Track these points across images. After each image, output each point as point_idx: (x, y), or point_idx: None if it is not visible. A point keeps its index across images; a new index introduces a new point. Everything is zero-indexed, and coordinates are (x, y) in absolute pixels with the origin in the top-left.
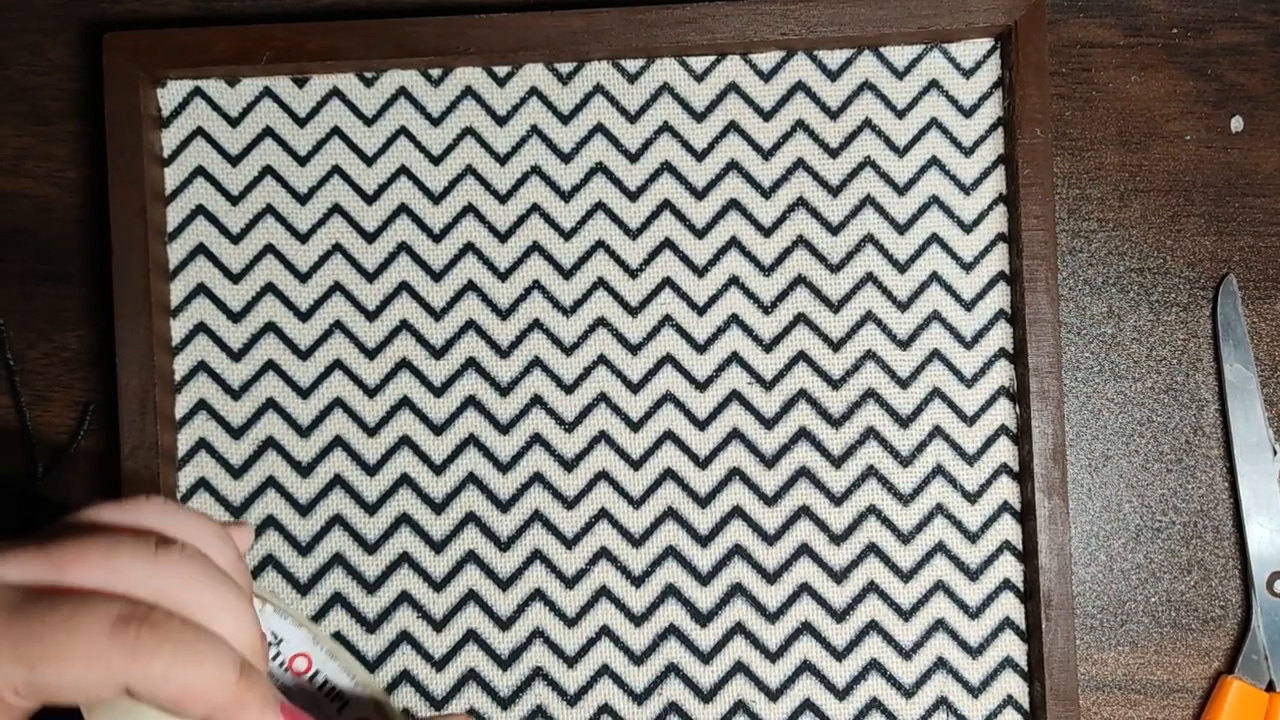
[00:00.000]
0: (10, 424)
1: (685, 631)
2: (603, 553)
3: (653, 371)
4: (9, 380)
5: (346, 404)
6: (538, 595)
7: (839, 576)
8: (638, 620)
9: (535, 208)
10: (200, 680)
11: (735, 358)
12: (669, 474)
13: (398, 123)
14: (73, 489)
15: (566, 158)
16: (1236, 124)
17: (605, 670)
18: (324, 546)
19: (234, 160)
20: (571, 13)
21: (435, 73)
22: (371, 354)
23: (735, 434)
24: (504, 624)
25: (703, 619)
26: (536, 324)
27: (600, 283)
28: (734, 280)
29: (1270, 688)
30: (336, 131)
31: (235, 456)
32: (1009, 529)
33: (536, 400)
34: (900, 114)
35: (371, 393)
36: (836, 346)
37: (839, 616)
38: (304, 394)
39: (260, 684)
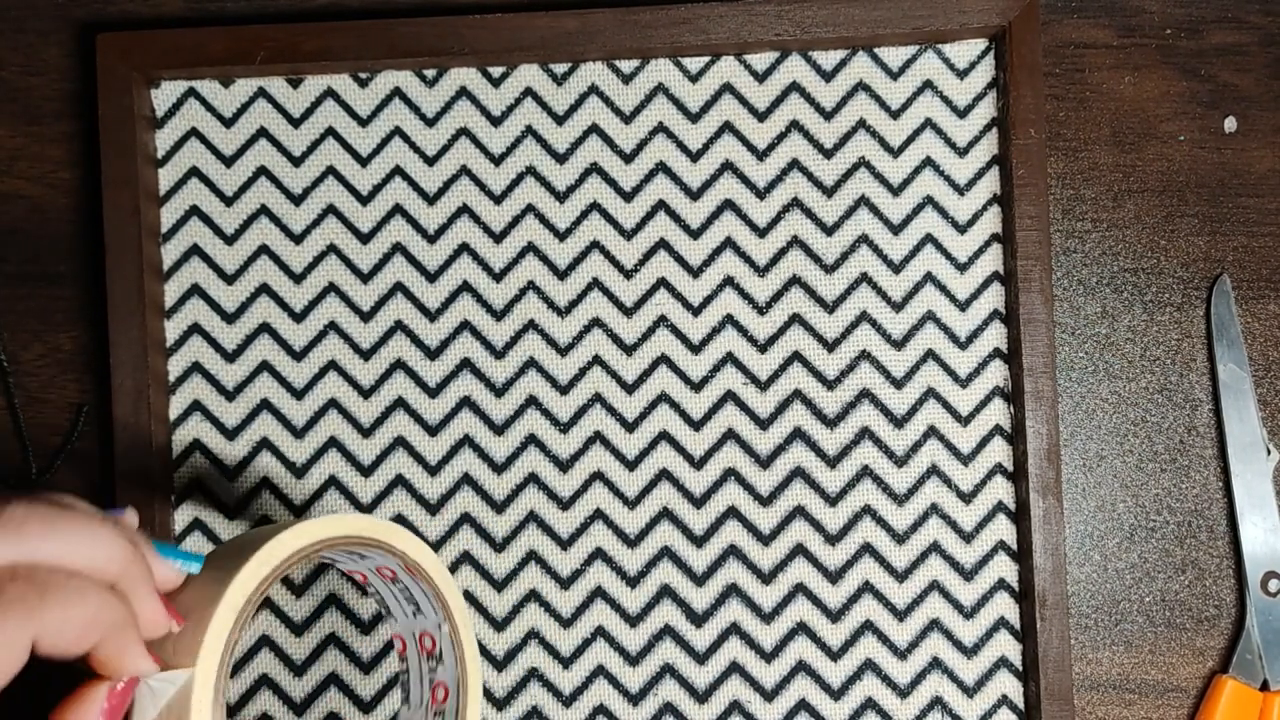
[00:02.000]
0: (4, 425)
1: (680, 632)
2: (598, 553)
3: (648, 372)
4: (3, 381)
5: (341, 405)
6: (533, 596)
7: (834, 577)
8: (633, 621)
9: (530, 208)
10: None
11: (730, 358)
12: (664, 474)
13: (392, 123)
14: (67, 490)
15: (561, 158)
16: (1230, 124)
17: (600, 671)
18: None
19: (228, 161)
20: (566, 13)
21: (430, 73)
22: (366, 355)
23: (730, 434)
24: (499, 625)
25: (698, 619)
26: (531, 324)
27: (595, 283)
28: (729, 281)
29: (1264, 687)
30: (331, 132)
31: (229, 457)
32: (1004, 529)
33: (532, 401)
34: (895, 114)
35: (366, 394)
36: (831, 347)
37: (834, 617)
38: (298, 395)
39: (142, 564)
